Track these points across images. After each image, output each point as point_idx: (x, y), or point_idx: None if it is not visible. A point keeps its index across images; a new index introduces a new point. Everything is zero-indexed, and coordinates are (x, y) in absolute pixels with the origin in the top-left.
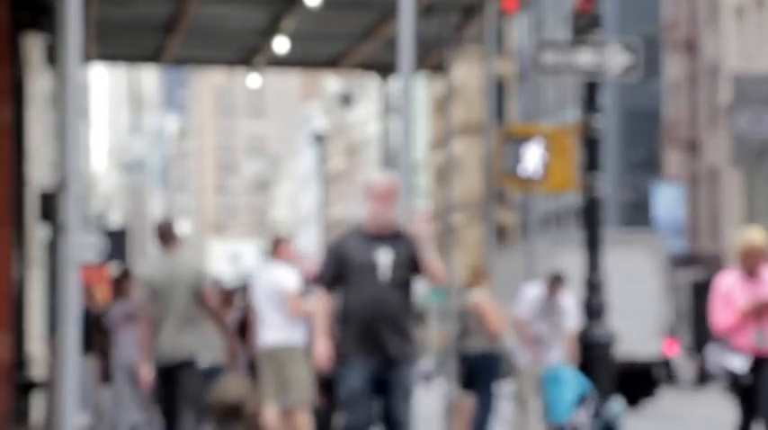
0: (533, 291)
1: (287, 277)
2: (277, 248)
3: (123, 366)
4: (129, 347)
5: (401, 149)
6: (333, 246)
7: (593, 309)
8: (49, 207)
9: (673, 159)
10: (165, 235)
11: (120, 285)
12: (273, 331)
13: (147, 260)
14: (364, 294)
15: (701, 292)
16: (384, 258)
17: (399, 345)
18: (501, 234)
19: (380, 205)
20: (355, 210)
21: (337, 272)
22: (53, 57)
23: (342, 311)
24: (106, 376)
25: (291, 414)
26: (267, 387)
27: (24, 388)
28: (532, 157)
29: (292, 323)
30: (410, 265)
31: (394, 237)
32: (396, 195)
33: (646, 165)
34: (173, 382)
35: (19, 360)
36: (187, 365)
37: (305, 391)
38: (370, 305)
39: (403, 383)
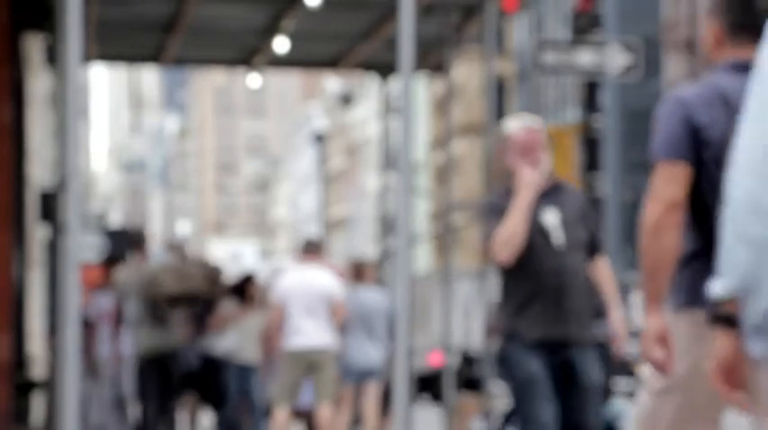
0: None
1: (334, 284)
2: (310, 252)
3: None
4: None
5: (401, 149)
6: (493, 205)
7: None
8: (49, 207)
9: None
10: (137, 242)
11: (109, 274)
12: (310, 334)
13: (126, 266)
14: (539, 265)
15: None
16: (552, 219)
17: (583, 326)
18: None
19: (528, 158)
20: (355, 210)
21: None
22: (53, 57)
23: (509, 288)
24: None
25: (321, 408)
26: (284, 389)
27: (24, 388)
28: None
29: (329, 326)
30: (582, 223)
31: (555, 191)
32: (543, 140)
33: (646, 165)
34: (158, 374)
35: (19, 360)
36: (173, 357)
37: (333, 388)
38: (549, 277)
39: (589, 373)
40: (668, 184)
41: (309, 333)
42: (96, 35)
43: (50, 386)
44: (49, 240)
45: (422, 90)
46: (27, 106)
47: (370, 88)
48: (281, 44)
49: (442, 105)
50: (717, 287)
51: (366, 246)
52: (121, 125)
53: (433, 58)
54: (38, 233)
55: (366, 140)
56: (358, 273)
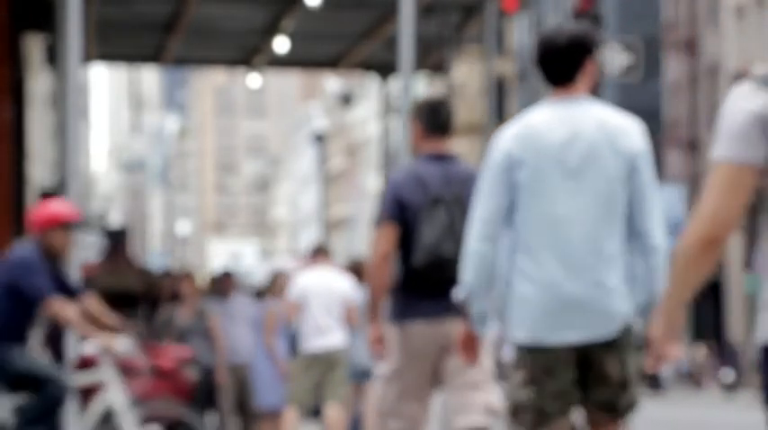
0: None
1: (351, 286)
2: (321, 255)
3: None
4: None
5: (401, 149)
6: None
7: None
8: None
9: (673, 159)
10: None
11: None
12: (330, 335)
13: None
14: None
15: (699, 292)
16: None
17: None
18: None
19: None
20: (355, 210)
21: None
22: (53, 57)
23: None
24: None
25: (330, 408)
26: (300, 391)
27: None
28: None
29: (343, 327)
30: None
31: None
32: None
33: None
34: None
35: None
36: None
37: (343, 390)
38: None
39: None
40: (383, 240)
41: (329, 333)
42: (96, 35)
43: None
44: None
45: (422, 90)
46: (27, 106)
47: (370, 88)
48: (281, 44)
49: None
50: (459, 292)
51: (366, 246)
52: (121, 125)
53: (433, 58)
54: None
55: (366, 140)
56: (358, 272)
